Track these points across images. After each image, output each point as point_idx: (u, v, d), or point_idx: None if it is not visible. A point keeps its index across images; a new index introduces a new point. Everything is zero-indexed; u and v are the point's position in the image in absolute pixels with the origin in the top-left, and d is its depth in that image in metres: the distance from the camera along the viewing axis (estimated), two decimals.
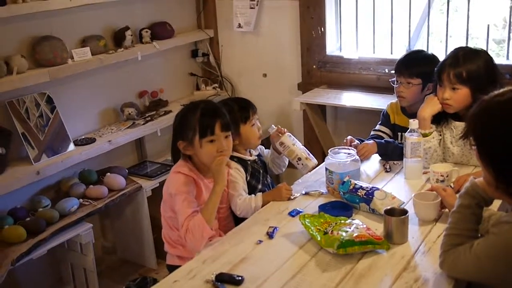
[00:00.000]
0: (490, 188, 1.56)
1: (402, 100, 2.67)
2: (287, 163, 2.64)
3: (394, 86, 2.70)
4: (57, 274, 3.18)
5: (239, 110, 2.43)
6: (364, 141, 2.65)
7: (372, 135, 2.79)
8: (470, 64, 2.32)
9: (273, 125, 2.55)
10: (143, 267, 3.35)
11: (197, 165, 2.17)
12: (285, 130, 2.54)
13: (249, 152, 2.50)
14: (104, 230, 3.56)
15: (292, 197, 2.28)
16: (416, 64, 2.65)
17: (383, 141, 2.65)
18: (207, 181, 2.17)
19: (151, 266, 3.33)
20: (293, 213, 2.15)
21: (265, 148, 2.66)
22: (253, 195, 2.31)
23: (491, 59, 2.40)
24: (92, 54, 3.18)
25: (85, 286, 3.04)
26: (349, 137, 2.64)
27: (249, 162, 2.45)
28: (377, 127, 2.82)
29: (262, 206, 2.26)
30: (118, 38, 3.41)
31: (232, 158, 2.39)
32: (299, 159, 2.51)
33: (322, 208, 2.13)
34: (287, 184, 2.33)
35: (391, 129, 2.79)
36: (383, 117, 2.82)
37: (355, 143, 2.58)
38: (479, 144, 1.52)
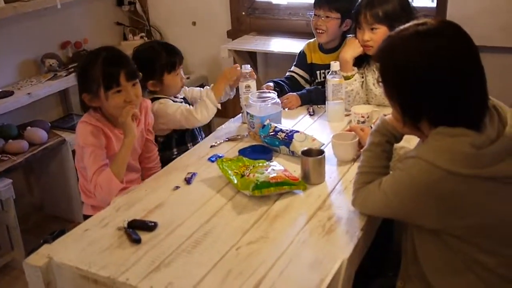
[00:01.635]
0: (399, 124, 1.56)
1: (321, 35, 2.61)
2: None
3: (311, 20, 2.63)
4: None
5: (166, 58, 2.35)
6: (280, 83, 2.62)
7: (286, 76, 2.76)
8: (386, 4, 2.31)
9: (248, 66, 2.45)
10: (72, 222, 3.26)
11: (107, 115, 2.08)
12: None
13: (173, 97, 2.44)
14: (31, 186, 3.45)
15: (215, 143, 2.24)
16: None
17: (304, 91, 2.62)
18: (117, 132, 2.09)
19: (80, 221, 3.23)
20: (212, 159, 2.11)
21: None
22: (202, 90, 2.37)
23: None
24: (6, 2, 3.00)
25: (9, 243, 2.95)
26: (268, 83, 2.60)
27: (181, 102, 2.41)
28: (292, 68, 2.78)
29: (217, 96, 2.31)
30: None
31: (153, 100, 2.34)
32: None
33: (242, 152, 2.11)
34: (232, 67, 2.37)
35: (307, 69, 2.75)
36: (299, 58, 2.78)
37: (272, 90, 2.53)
38: (384, 80, 1.51)
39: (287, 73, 2.77)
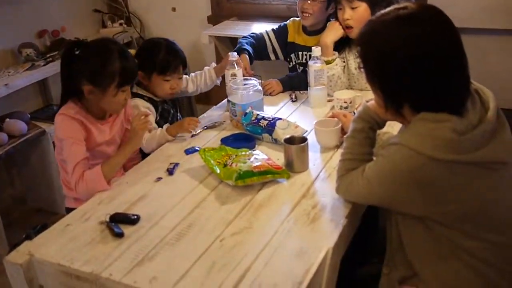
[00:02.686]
0: (381, 110, 1.55)
1: (307, 17, 2.57)
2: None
3: (297, 2, 2.60)
4: None
5: (162, 58, 2.27)
6: (250, 50, 2.59)
7: (258, 34, 2.71)
8: None
9: (235, 54, 2.40)
10: (56, 214, 3.23)
11: (89, 107, 2.02)
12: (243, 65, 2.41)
13: None
14: (12, 179, 3.40)
15: (195, 132, 2.21)
16: None
17: (285, 76, 2.60)
18: (99, 124, 2.05)
19: (63, 213, 3.20)
20: (188, 151, 2.08)
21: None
22: (159, 129, 2.22)
23: None
24: None
25: None
26: (241, 45, 2.59)
27: (158, 103, 2.35)
28: (269, 31, 2.71)
29: (168, 136, 2.18)
30: None
31: (142, 96, 2.30)
32: None
33: (224, 141, 2.09)
34: (194, 118, 2.24)
35: (283, 45, 2.70)
36: (280, 29, 2.72)
37: (252, 72, 2.51)
38: (366, 65, 1.50)
39: (261, 32, 2.72)
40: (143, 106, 2.27)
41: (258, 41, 2.67)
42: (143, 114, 2.02)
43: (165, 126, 2.22)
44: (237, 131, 2.20)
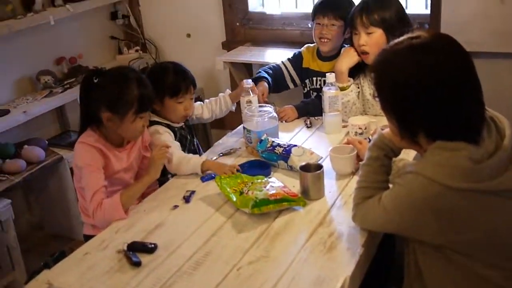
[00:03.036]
0: (396, 138, 1.56)
1: (325, 43, 2.58)
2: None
3: (313, 29, 2.62)
4: None
5: (172, 81, 2.27)
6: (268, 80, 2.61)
7: (275, 65, 2.74)
8: (382, 10, 2.32)
9: (250, 81, 2.42)
10: (72, 240, 3.25)
11: (107, 135, 2.05)
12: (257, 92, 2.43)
13: None
14: (30, 205, 3.44)
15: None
16: (340, 6, 2.56)
17: (301, 103, 2.62)
18: (117, 152, 2.07)
19: (80, 239, 3.22)
20: (204, 179, 2.10)
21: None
22: (195, 156, 2.22)
23: (401, 4, 2.41)
24: None
25: (10, 264, 2.93)
26: (259, 75, 2.61)
27: (176, 129, 2.35)
28: (285, 61, 2.75)
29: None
30: (27, 2, 3.21)
31: (160, 123, 2.31)
32: None
33: (241, 167, 2.09)
34: (233, 166, 2.12)
35: (298, 72, 2.73)
36: (295, 57, 2.75)
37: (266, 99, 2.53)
38: (380, 94, 1.51)
39: (278, 63, 2.76)
40: (164, 130, 2.28)
41: (276, 72, 2.70)
42: (164, 146, 2.04)
43: (202, 158, 2.19)
44: (252, 158, 2.21)
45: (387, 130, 1.62)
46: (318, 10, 2.60)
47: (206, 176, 2.11)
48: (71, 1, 3.40)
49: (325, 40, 2.58)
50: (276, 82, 2.66)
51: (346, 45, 2.57)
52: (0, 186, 2.76)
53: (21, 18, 3.08)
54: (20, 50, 3.26)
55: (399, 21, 2.34)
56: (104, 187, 1.95)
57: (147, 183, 2.00)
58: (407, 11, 2.48)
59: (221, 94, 2.54)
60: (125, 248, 1.67)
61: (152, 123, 2.28)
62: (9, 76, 3.22)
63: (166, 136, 2.25)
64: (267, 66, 2.74)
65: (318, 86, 2.68)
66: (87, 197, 1.94)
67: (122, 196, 1.90)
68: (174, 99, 2.28)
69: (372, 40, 2.35)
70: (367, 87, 2.47)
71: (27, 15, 3.14)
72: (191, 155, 2.22)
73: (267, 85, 2.57)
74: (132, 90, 1.97)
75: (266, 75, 2.63)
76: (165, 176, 2.25)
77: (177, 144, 2.26)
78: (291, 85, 2.76)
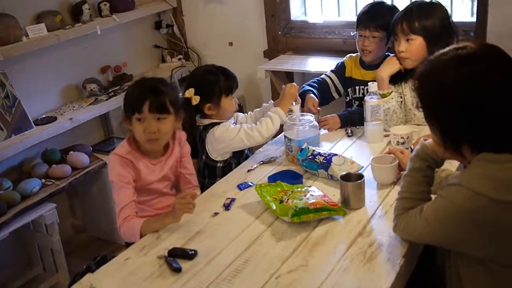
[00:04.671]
0: (439, 149, 1.54)
1: (368, 54, 2.59)
2: None
3: (356, 40, 2.63)
4: (26, 256, 3.14)
5: (225, 81, 2.33)
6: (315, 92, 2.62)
7: (320, 78, 2.75)
8: (425, 18, 2.29)
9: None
10: (114, 244, 3.33)
11: (140, 147, 2.08)
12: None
13: None
14: (74, 209, 3.53)
15: (251, 167, 2.25)
16: (380, 16, 2.56)
17: (345, 112, 2.61)
18: (147, 162, 2.09)
19: (121, 243, 3.29)
20: (241, 187, 2.11)
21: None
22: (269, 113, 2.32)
23: (446, 12, 2.37)
24: (48, 31, 3.08)
25: (54, 266, 3.01)
26: (305, 89, 2.63)
27: None
28: (329, 73, 2.76)
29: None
30: (75, 13, 3.32)
31: (213, 125, 2.32)
32: None
33: (272, 179, 2.08)
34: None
35: (342, 81, 2.73)
36: (338, 68, 2.76)
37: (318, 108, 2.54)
38: (424, 105, 1.49)
39: (322, 76, 2.77)
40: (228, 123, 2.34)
41: (321, 85, 2.70)
42: (191, 195, 1.90)
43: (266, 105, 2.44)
44: (293, 167, 2.21)
45: (430, 140, 1.60)
46: (360, 22, 2.61)
47: (243, 183, 2.12)
48: (117, 11, 3.49)
49: (367, 52, 2.58)
50: (322, 94, 2.66)
51: (389, 54, 2.55)
52: (46, 190, 2.84)
53: (69, 28, 3.18)
54: (68, 59, 3.35)
55: (442, 29, 2.31)
56: (132, 202, 1.98)
57: (167, 224, 1.90)
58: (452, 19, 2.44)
59: (264, 104, 2.55)
60: (166, 254, 1.70)
61: (212, 125, 2.32)
62: (57, 83, 3.31)
63: (230, 126, 2.31)
64: (311, 81, 2.74)
65: (360, 95, 2.66)
66: (116, 211, 1.98)
67: (143, 226, 1.88)
68: (229, 97, 2.35)
69: (412, 47, 2.33)
70: (409, 96, 2.44)
71: (75, 26, 3.23)
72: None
73: (313, 95, 2.58)
74: (131, 94, 2.06)
75: (311, 89, 2.64)
76: (214, 178, 2.28)
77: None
78: (336, 96, 2.76)
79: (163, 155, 2.14)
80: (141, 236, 1.87)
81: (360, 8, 3.41)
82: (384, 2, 2.78)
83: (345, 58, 2.76)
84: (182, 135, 2.22)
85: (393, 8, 2.62)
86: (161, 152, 2.13)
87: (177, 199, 1.88)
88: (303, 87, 2.67)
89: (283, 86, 2.44)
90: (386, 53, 2.62)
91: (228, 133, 2.28)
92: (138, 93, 2.03)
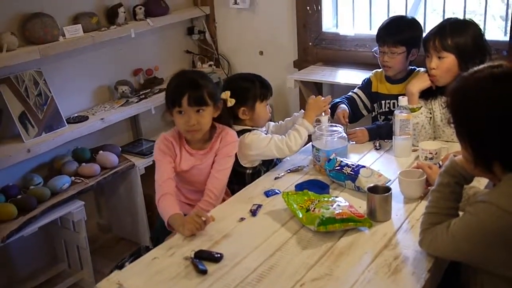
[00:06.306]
0: (469, 166, 1.54)
1: (388, 69, 2.62)
2: None
3: (377, 56, 2.64)
4: (52, 252, 3.20)
5: (261, 87, 2.40)
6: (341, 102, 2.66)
7: (348, 95, 2.78)
8: (458, 35, 2.29)
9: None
10: (138, 244, 3.36)
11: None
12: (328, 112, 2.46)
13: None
14: (100, 208, 3.58)
15: (278, 175, 2.27)
16: (399, 32, 2.57)
17: (374, 126, 2.62)
18: (188, 148, 2.22)
19: (145, 244, 3.33)
20: (268, 194, 2.13)
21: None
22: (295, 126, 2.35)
23: (480, 31, 2.37)
24: (84, 32, 3.15)
25: (79, 263, 3.06)
26: (337, 104, 2.64)
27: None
28: (356, 90, 2.79)
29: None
30: (111, 15, 3.38)
31: (244, 131, 2.36)
32: None
33: (299, 187, 2.10)
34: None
35: (369, 97, 2.75)
36: (364, 84, 2.79)
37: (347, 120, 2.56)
38: (456, 122, 1.50)
39: (349, 93, 2.79)
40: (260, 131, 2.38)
41: (349, 102, 2.73)
42: (206, 218, 1.90)
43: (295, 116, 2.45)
44: (319, 176, 2.23)
45: (459, 157, 1.60)
46: (379, 37, 2.63)
47: (270, 191, 2.15)
48: (152, 16, 3.55)
49: (387, 67, 2.61)
50: (352, 111, 2.68)
51: (416, 67, 2.56)
52: (75, 188, 2.90)
53: (104, 30, 3.24)
54: (102, 60, 3.42)
55: (475, 48, 2.30)
56: (170, 179, 2.12)
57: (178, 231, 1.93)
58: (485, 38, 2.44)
59: (295, 114, 2.57)
60: (192, 255, 1.73)
61: (244, 131, 2.35)
62: (90, 84, 3.38)
63: (262, 135, 2.35)
64: (339, 98, 2.76)
65: (386, 109, 2.68)
66: (155, 186, 2.11)
67: (170, 218, 1.99)
68: (264, 103, 2.40)
69: (443, 64, 2.33)
70: (439, 113, 2.45)
71: (110, 28, 3.29)
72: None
73: (345, 106, 2.59)
74: (170, 87, 2.22)
75: (342, 100, 2.68)
76: (243, 185, 2.30)
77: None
78: (365, 112, 2.78)
79: (202, 149, 2.22)
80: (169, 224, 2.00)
81: None
82: (404, 16, 2.80)
83: (370, 74, 2.79)
84: (230, 135, 2.26)
85: (413, 22, 2.63)
86: (201, 145, 2.22)
87: (193, 214, 1.93)
88: (333, 101, 2.68)
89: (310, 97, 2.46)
90: (413, 67, 2.63)
91: (259, 142, 2.31)
92: (177, 87, 2.15)
